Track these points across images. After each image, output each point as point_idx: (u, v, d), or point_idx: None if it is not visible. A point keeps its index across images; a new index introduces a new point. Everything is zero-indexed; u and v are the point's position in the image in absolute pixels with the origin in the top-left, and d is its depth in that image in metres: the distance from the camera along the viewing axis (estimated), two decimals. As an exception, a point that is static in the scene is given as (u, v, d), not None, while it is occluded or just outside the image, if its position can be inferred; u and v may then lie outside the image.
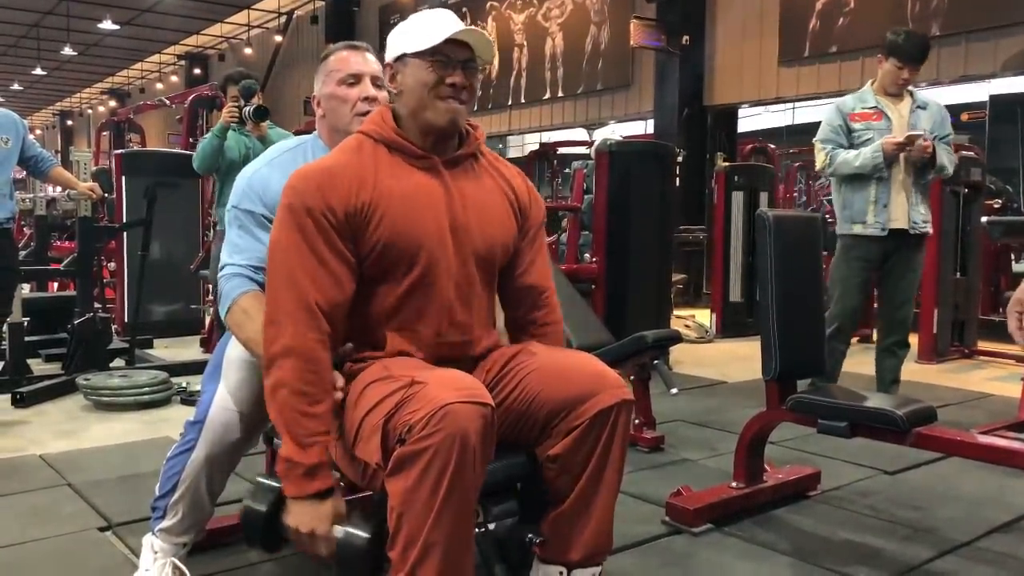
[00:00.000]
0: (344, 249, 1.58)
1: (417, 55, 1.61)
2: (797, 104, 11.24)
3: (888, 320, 3.86)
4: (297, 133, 9.02)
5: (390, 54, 1.68)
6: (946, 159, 3.62)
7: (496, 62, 11.56)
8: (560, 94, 10.94)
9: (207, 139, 3.97)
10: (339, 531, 1.53)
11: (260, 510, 1.61)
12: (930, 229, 3.74)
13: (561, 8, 10.84)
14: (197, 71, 20.29)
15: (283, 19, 17.19)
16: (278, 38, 17.44)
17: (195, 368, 4.80)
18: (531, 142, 12.71)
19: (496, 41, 11.93)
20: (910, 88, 3.73)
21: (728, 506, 2.65)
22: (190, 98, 7.98)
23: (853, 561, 2.33)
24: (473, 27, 1.63)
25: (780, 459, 3.07)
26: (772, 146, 10.29)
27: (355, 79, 1.94)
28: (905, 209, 3.61)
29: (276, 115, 4.07)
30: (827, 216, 7.94)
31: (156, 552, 2.02)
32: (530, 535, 1.66)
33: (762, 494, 2.74)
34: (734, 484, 2.74)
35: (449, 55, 1.60)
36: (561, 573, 1.64)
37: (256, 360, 1.85)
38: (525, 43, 11.38)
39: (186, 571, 2.02)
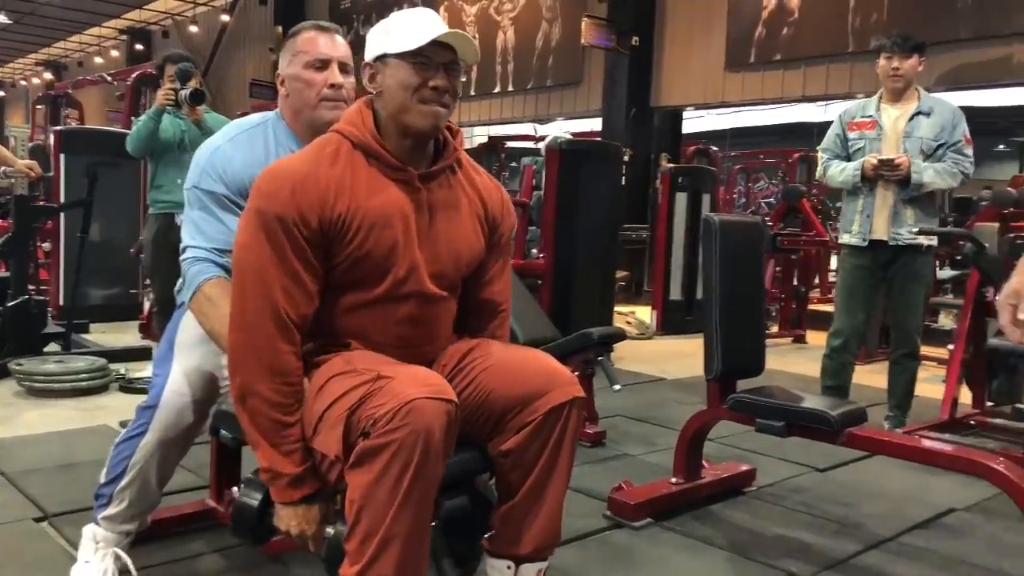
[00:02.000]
0: (314, 260, 1.55)
1: (399, 56, 1.57)
2: (740, 108, 11.47)
3: (894, 332, 3.87)
4: (242, 116, 8.76)
5: (370, 53, 1.63)
6: (927, 175, 3.51)
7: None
8: (510, 88, 10.97)
9: (142, 121, 3.89)
10: (328, 530, 1.56)
11: (252, 505, 1.65)
12: (924, 241, 3.60)
13: (513, 3, 10.86)
14: (139, 47, 19.62)
15: (229, -1, 16.83)
16: (225, 17, 17.04)
17: (134, 354, 4.71)
18: (479, 135, 12.72)
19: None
20: (920, 90, 3.66)
21: (667, 501, 2.73)
22: (133, 76, 7.78)
23: (785, 555, 2.43)
24: (457, 30, 1.59)
25: (717, 456, 3.17)
26: (715, 148, 10.54)
27: (323, 64, 1.91)
28: (886, 221, 3.60)
29: (220, 97, 4.02)
30: (765, 219, 8.17)
31: (98, 542, 1.99)
32: (475, 529, 1.69)
33: (700, 490, 2.83)
34: (673, 480, 2.83)
35: (432, 57, 1.55)
36: (509, 567, 1.68)
37: (215, 346, 1.85)
38: (476, 36, 11.35)
39: (129, 561, 2.00)
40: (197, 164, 1.93)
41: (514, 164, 11.12)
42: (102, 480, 2.00)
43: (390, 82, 1.58)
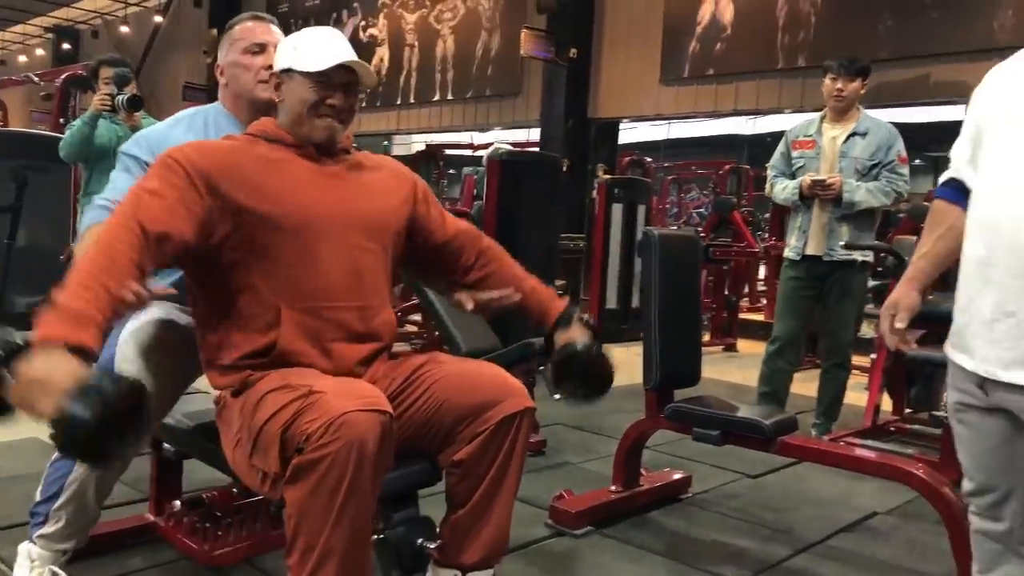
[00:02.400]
0: (195, 201, 1.56)
1: (303, 74, 1.69)
2: (674, 120, 11.73)
3: (827, 343, 4.01)
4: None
5: (279, 65, 1.75)
6: (859, 194, 3.65)
7: (387, 60, 11.52)
8: (449, 97, 10.98)
9: (76, 126, 3.81)
10: (66, 402, 1.21)
11: None
12: (859, 257, 3.75)
13: (453, 12, 10.89)
14: (66, 46, 18.98)
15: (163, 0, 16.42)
16: (158, 19, 16.61)
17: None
18: (417, 142, 12.71)
19: (387, 39, 11.87)
20: (862, 111, 3.80)
21: (607, 509, 2.79)
22: (62, 77, 7.53)
23: (720, 560, 2.52)
24: (359, 60, 1.72)
25: (654, 463, 3.25)
26: (649, 159, 10.75)
27: (259, 48, 2.00)
28: (821, 237, 3.73)
29: (152, 101, 3.95)
30: (698, 229, 8.38)
31: (33, 560, 1.95)
32: (421, 539, 1.70)
33: (638, 497, 2.91)
34: (613, 488, 2.90)
35: (332, 77, 1.69)
36: (456, 576, 1.71)
37: (163, 353, 1.83)
38: (416, 43, 11.36)
39: (66, 579, 1.96)
40: (135, 137, 2.03)
41: (452, 171, 11.14)
42: (38, 498, 1.95)
43: (292, 95, 1.71)
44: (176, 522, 2.30)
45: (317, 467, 1.40)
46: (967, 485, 1.73)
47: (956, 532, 2.15)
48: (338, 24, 12.53)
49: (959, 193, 1.72)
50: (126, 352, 1.87)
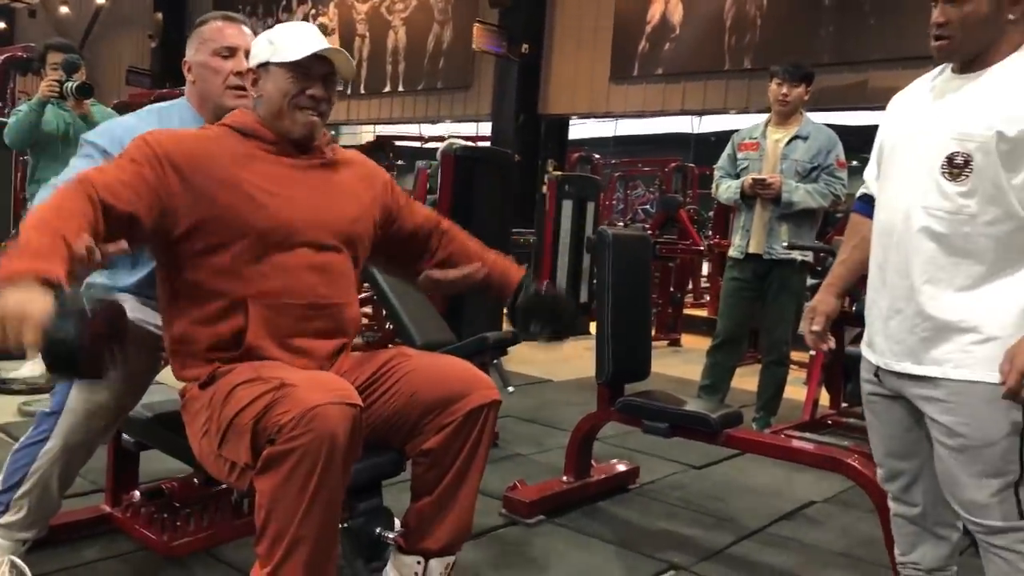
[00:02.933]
0: (158, 183, 1.58)
1: (281, 65, 1.70)
2: (623, 117, 11.87)
3: (766, 340, 4.16)
4: (115, 107, 8.43)
5: (254, 60, 1.75)
6: (798, 195, 3.79)
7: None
8: (400, 88, 10.96)
9: (23, 112, 3.73)
10: (48, 327, 1.25)
11: None
12: (798, 256, 3.87)
13: (405, 3, 10.85)
14: (1, 25, 18.35)
15: (107, -21, 15.94)
16: (100, 0, 16.16)
17: (7, 354, 4.47)
18: (365, 132, 12.63)
19: (338, 28, 11.77)
20: (805, 115, 3.94)
21: (559, 499, 2.88)
22: (2, 58, 7.29)
23: (667, 548, 2.62)
24: (337, 48, 1.73)
25: (604, 455, 3.35)
26: (597, 156, 10.89)
27: (230, 52, 1.99)
28: (762, 236, 3.87)
29: (94, 85, 3.86)
30: (644, 226, 8.54)
31: (-7, 550, 1.95)
32: (379, 528, 1.76)
33: (589, 488, 3.00)
34: (564, 478, 2.99)
35: (311, 69, 1.70)
36: (419, 562, 1.76)
37: (135, 344, 1.84)
38: (368, 34, 11.28)
39: (26, 569, 1.96)
40: (100, 127, 2.01)
41: (401, 162, 11.11)
42: (-1, 487, 1.95)
43: (270, 88, 1.71)
44: (134, 512, 2.30)
45: (289, 457, 1.44)
46: (880, 471, 1.93)
47: (886, 518, 2.27)
48: (288, 13, 12.40)
49: (870, 207, 1.91)
50: None
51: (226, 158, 1.67)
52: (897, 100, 1.89)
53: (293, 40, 1.71)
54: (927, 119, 1.73)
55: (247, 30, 2.05)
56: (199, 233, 1.63)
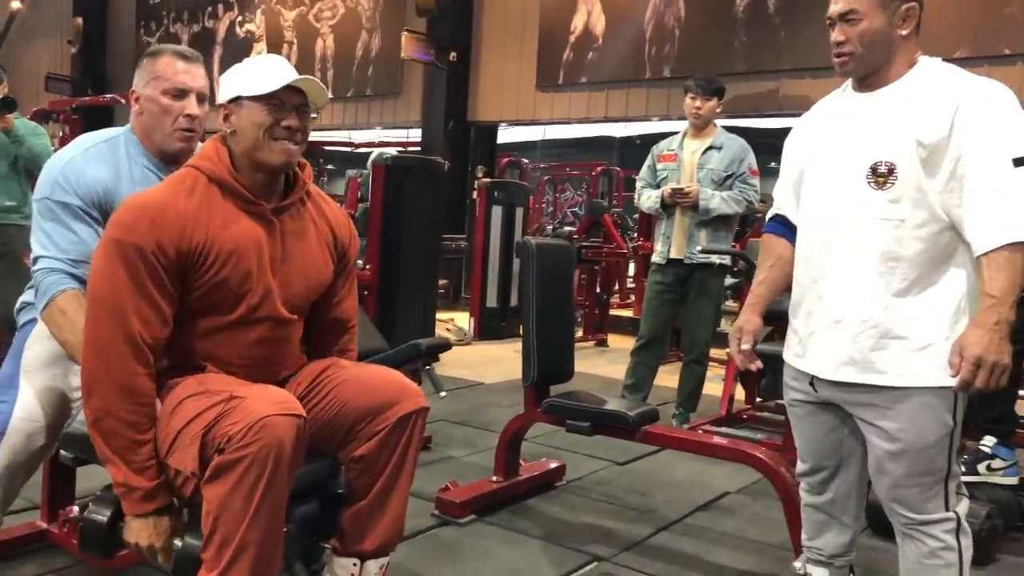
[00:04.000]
0: (170, 286, 1.67)
1: (253, 99, 1.71)
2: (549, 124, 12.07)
3: (685, 340, 4.37)
4: (34, 115, 8.24)
5: (224, 95, 1.75)
6: (714, 202, 4.00)
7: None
8: (330, 95, 10.87)
9: None
10: (177, 543, 1.67)
11: (101, 520, 1.71)
12: (716, 260, 4.09)
13: (333, 11, 10.83)
14: (-88, 34, 17.51)
15: (24, -17, 15.38)
16: (16, 4, 15.55)
17: None
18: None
19: (265, 35, 11.66)
20: (718, 127, 4.18)
21: (489, 498, 3.01)
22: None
23: (591, 541, 2.78)
24: (309, 76, 1.76)
25: (532, 454, 3.50)
26: (526, 160, 11.07)
27: (181, 93, 1.97)
28: (682, 242, 4.08)
29: (10, 92, 3.83)
30: (571, 229, 8.74)
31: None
32: (317, 533, 1.85)
33: (518, 486, 3.14)
34: (494, 478, 3.12)
35: (284, 100, 1.72)
36: (355, 564, 1.85)
37: (64, 367, 1.89)
38: (295, 41, 11.22)
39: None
40: (48, 176, 1.94)
41: (331, 167, 11.09)
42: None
43: (244, 122, 1.72)
44: (72, 527, 2.33)
45: (238, 466, 1.53)
46: (800, 466, 2.06)
47: (790, 506, 2.48)
48: (214, 20, 12.21)
49: (783, 227, 2.06)
50: (31, 364, 1.93)
51: (202, 231, 1.68)
52: (804, 123, 2.02)
53: (264, 72, 1.72)
54: (845, 135, 1.85)
55: (200, 70, 2.02)
56: (183, 303, 1.71)
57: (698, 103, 4.09)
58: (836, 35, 1.83)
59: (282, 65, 1.77)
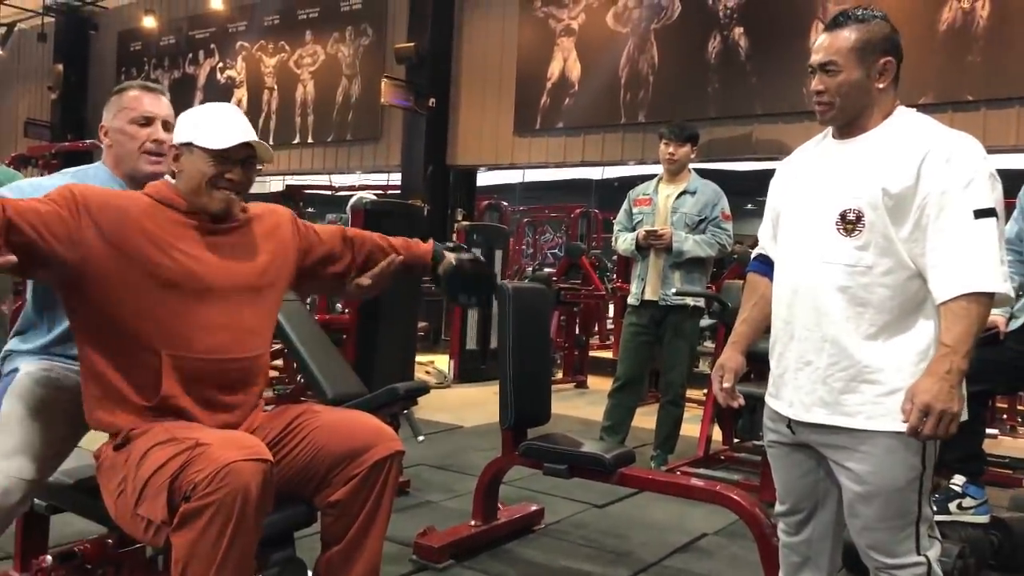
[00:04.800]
0: (72, 224, 1.67)
1: (203, 148, 1.80)
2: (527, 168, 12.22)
3: (662, 381, 4.40)
4: (13, 160, 8.26)
5: (179, 138, 1.84)
6: (687, 245, 4.08)
7: (245, 102, 11.42)
8: (310, 140, 11.02)
9: None
10: None
11: None
12: (691, 302, 4.15)
13: (313, 57, 10.98)
14: None
15: (2, 30, 15.46)
16: (-4, 50, 15.66)
17: None
18: (273, 180, 12.60)
19: (246, 81, 11.77)
20: (692, 172, 4.28)
21: (468, 543, 3.01)
22: None
23: (569, 583, 2.78)
24: (259, 141, 1.85)
25: (511, 498, 3.50)
26: (505, 203, 11.20)
27: (147, 120, 2.07)
28: (656, 283, 4.15)
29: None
30: (551, 270, 8.82)
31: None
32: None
33: (496, 530, 3.14)
34: (473, 523, 3.12)
35: (232, 154, 1.81)
36: (331, 609, 1.87)
37: (48, 416, 1.89)
38: (276, 87, 11.34)
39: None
40: (13, 185, 2.04)
41: (311, 210, 11.16)
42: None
43: (191, 167, 1.82)
44: (45, 577, 2.31)
45: (204, 512, 1.54)
46: (779, 507, 2.08)
47: (765, 548, 2.51)
48: (195, 65, 12.32)
49: (766, 266, 2.10)
50: (12, 412, 1.93)
51: (141, 215, 1.76)
52: (785, 167, 2.08)
53: (218, 126, 1.81)
54: (818, 181, 1.92)
55: (165, 100, 2.13)
56: (108, 274, 1.71)
57: (672, 149, 4.19)
58: (816, 84, 1.89)
59: (236, 120, 1.85)
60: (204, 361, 1.78)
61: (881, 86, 1.87)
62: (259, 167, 1.90)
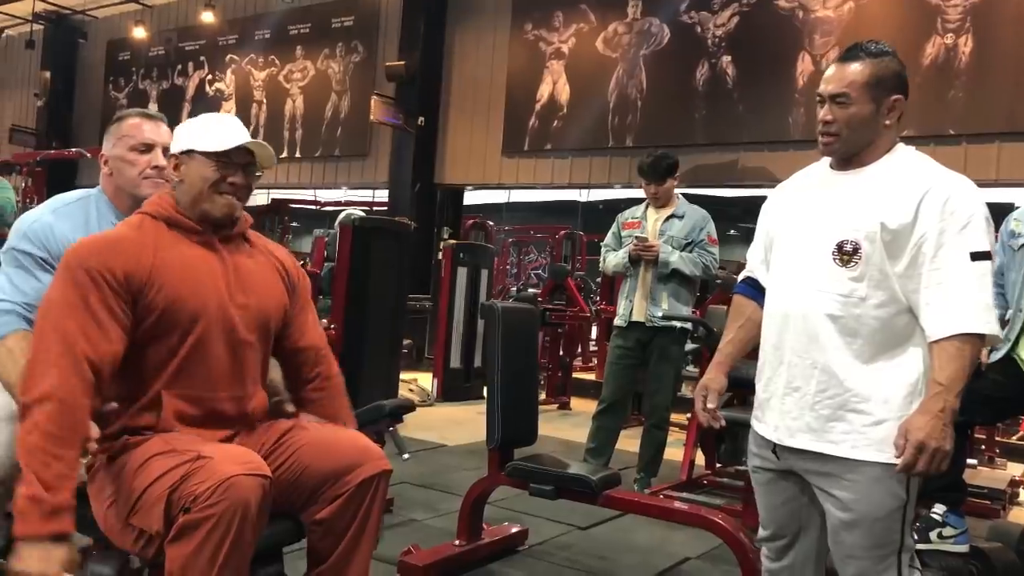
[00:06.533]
0: (117, 307, 1.68)
1: (204, 154, 1.80)
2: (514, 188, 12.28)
3: (646, 404, 4.42)
4: (-1, 166, 8.09)
5: (177, 147, 1.85)
6: (672, 258, 4.11)
7: (233, 114, 11.40)
8: (298, 155, 11.03)
9: None
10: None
11: None
12: (677, 324, 4.15)
13: (303, 72, 11.02)
14: None
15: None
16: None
17: None
18: (258, 194, 12.59)
19: (235, 94, 11.78)
20: (680, 197, 4.34)
21: (452, 562, 2.99)
22: None
23: (552, 605, 2.78)
24: (259, 140, 1.86)
25: (495, 518, 3.49)
26: (491, 223, 11.23)
27: (146, 148, 2.06)
28: (643, 304, 4.17)
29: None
30: (535, 291, 8.85)
31: None
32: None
33: (481, 550, 3.13)
34: (457, 542, 3.11)
35: (233, 158, 1.82)
36: (318, 627, 1.86)
37: (13, 408, 1.88)
38: (265, 100, 11.35)
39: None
40: (17, 230, 2.01)
41: (296, 224, 11.15)
42: None
43: (193, 174, 1.82)
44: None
45: (204, 525, 1.53)
46: (762, 532, 2.09)
47: (748, 572, 2.52)
48: (184, 77, 12.31)
49: (754, 289, 2.11)
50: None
51: (152, 257, 1.74)
52: (781, 192, 2.09)
53: (217, 130, 1.82)
54: (816, 210, 1.93)
55: (165, 128, 2.12)
56: (140, 328, 1.73)
57: (652, 188, 4.27)
58: (824, 114, 1.89)
59: (236, 125, 1.87)
60: (203, 396, 1.79)
61: (888, 123, 1.88)
62: (258, 174, 1.90)
